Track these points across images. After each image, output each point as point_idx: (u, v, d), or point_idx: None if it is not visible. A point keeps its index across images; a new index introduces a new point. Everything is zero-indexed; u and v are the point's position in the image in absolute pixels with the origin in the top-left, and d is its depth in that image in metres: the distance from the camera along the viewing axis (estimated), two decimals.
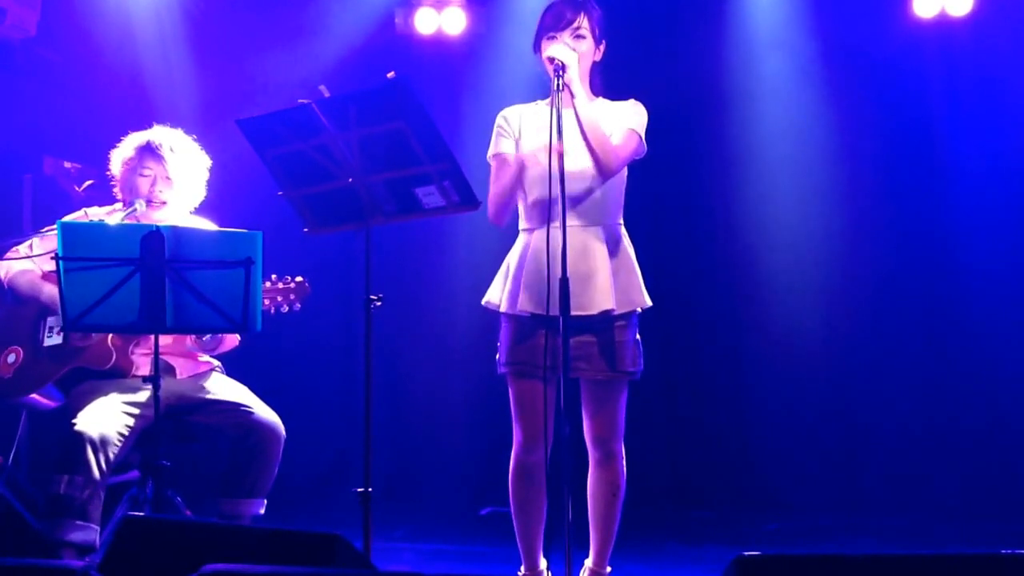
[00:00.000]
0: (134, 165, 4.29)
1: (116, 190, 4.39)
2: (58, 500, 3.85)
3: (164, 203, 4.28)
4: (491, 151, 3.94)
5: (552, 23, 3.85)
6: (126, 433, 3.99)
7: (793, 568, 2.55)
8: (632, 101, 3.94)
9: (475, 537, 5.54)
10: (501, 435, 4.15)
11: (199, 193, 4.40)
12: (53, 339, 4.16)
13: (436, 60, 6.21)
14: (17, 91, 5.79)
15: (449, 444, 6.25)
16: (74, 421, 3.92)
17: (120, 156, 4.35)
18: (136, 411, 4.03)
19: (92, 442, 3.88)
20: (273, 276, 4.10)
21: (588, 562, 4.01)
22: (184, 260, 3.60)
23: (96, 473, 3.87)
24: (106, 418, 3.96)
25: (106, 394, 4.04)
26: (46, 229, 4.21)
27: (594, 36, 3.87)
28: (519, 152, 3.85)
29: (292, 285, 4.11)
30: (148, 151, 4.28)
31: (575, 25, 3.83)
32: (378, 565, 2.84)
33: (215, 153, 4.47)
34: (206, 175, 4.40)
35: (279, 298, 4.09)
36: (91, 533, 3.87)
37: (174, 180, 4.29)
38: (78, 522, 3.85)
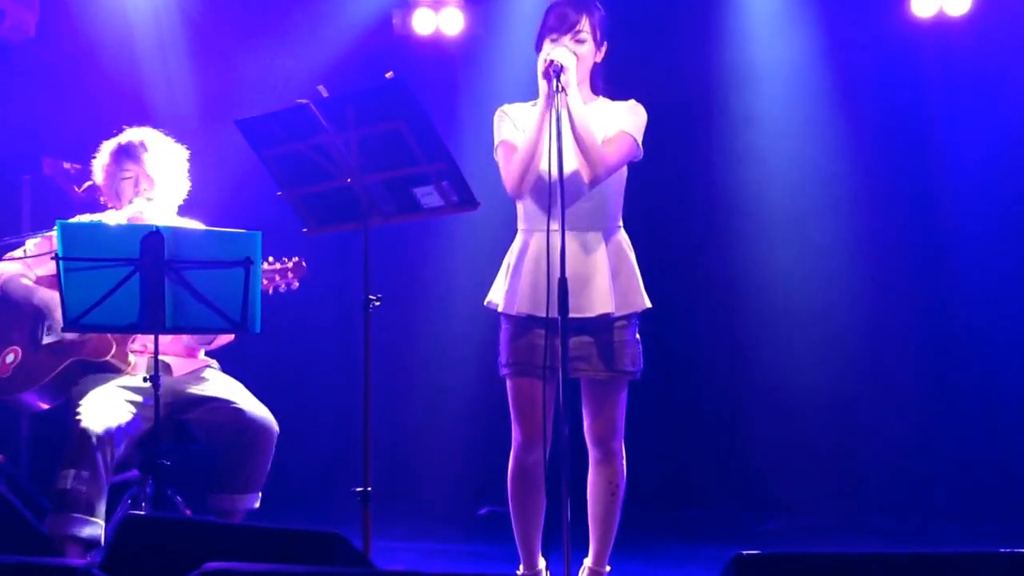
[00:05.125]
0: (113, 170, 4.34)
1: (103, 199, 4.41)
2: (65, 495, 3.84)
3: (151, 200, 4.30)
4: (497, 139, 3.92)
5: (555, 24, 3.85)
6: (130, 431, 4.00)
7: (791, 567, 2.56)
8: (632, 102, 3.95)
9: (474, 536, 5.54)
10: (500, 435, 4.15)
11: (183, 186, 4.41)
12: (53, 336, 4.17)
13: (434, 61, 6.21)
14: (16, 92, 5.80)
15: (448, 444, 6.24)
16: (79, 418, 3.92)
17: (99, 164, 4.40)
18: (138, 411, 4.04)
19: (98, 438, 3.88)
20: (270, 258, 4.14)
21: (587, 561, 4.01)
22: (183, 260, 3.61)
23: (101, 469, 3.88)
24: (110, 415, 3.96)
25: (109, 391, 4.05)
26: (37, 235, 4.25)
27: (595, 39, 3.87)
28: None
29: (290, 265, 4.14)
30: (123, 153, 4.33)
31: (577, 28, 3.83)
32: (377, 564, 2.85)
33: (213, 153, 4.48)
34: (186, 166, 4.41)
35: (277, 277, 4.13)
36: (97, 528, 3.86)
37: (155, 177, 4.32)
38: (85, 517, 3.84)
